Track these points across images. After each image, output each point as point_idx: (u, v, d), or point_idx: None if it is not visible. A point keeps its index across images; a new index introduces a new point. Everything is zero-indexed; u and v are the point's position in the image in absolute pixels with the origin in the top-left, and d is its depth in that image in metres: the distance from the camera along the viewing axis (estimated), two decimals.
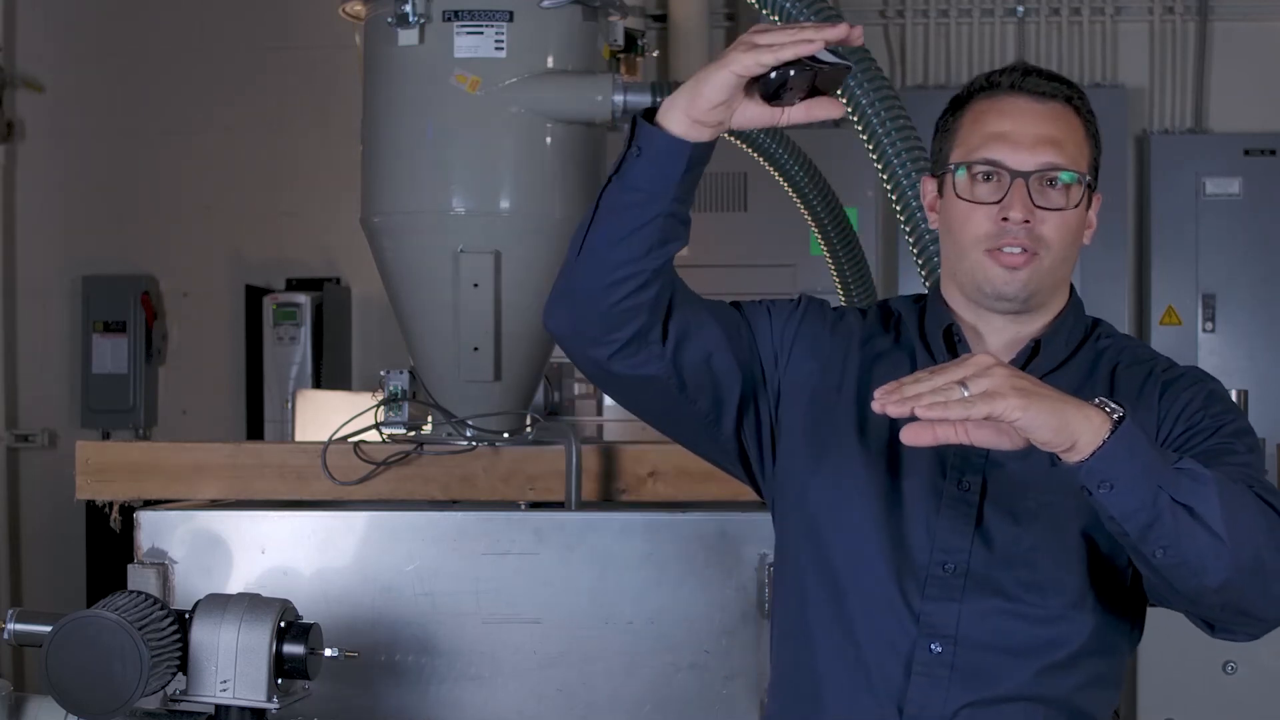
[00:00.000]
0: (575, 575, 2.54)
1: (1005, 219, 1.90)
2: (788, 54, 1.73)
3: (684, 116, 1.80)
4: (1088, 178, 1.94)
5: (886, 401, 1.63)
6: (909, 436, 1.64)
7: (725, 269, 5.47)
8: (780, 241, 5.55)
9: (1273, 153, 6.09)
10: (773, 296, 2.08)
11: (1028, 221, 1.89)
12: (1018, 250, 1.90)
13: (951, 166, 1.95)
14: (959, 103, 1.99)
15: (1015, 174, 1.90)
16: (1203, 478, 1.68)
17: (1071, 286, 2.02)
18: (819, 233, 3.68)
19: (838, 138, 5.39)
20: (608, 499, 2.69)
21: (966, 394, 1.61)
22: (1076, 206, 1.92)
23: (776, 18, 2.76)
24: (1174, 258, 6.15)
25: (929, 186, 2.02)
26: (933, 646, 1.88)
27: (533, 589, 2.54)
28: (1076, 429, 1.64)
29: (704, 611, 2.53)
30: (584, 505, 2.64)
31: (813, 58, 1.75)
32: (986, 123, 1.93)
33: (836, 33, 1.74)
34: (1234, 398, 1.99)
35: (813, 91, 1.79)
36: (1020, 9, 6.38)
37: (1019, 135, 1.91)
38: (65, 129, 6.38)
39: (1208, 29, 6.30)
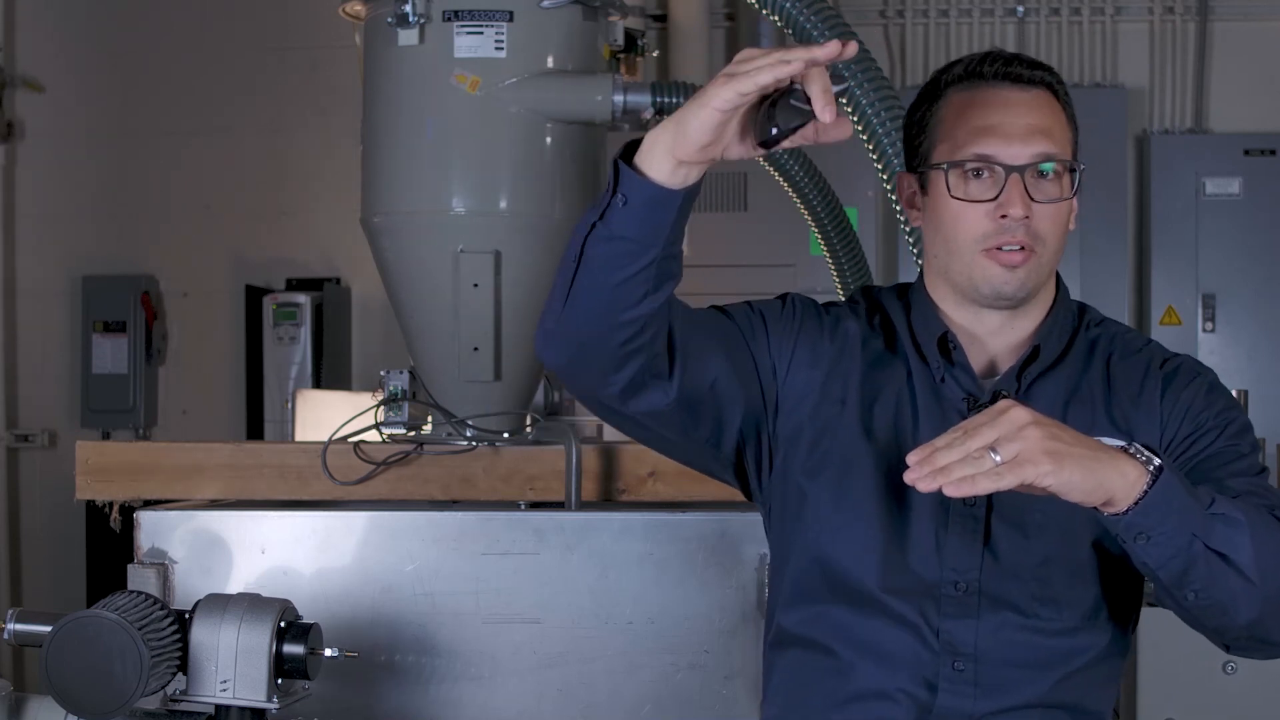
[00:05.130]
0: (575, 575, 2.54)
1: (1004, 216, 1.85)
2: (765, 78, 1.59)
3: (669, 157, 1.66)
4: (1074, 163, 1.89)
5: (919, 475, 1.60)
6: (951, 491, 1.59)
7: (725, 269, 5.46)
8: (780, 241, 5.55)
9: (1273, 153, 6.09)
10: (767, 296, 2.02)
11: (1027, 217, 1.85)
12: (1017, 248, 1.86)
13: (943, 165, 1.88)
14: (933, 94, 1.93)
15: (1010, 169, 1.85)
16: (1237, 523, 1.67)
17: (1056, 274, 1.97)
18: (819, 233, 3.67)
19: None
20: (607, 499, 2.69)
21: (998, 459, 1.58)
22: (1071, 196, 1.88)
23: (776, 18, 2.77)
24: (1174, 258, 6.15)
25: (906, 183, 1.97)
26: (956, 664, 1.86)
27: (533, 589, 2.54)
28: (1111, 485, 1.62)
29: (704, 611, 2.53)
30: (584, 505, 2.63)
31: (804, 97, 1.60)
32: (972, 116, 1.87)
33: (826, 52, 1.58)
34: (1234, 397, 1.99)
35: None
36: (1020, 9, 6.38)
37: (1009, 127, 1.86)
38: (65, 129, 6.38)
39: (1208, 29, 6.29)
